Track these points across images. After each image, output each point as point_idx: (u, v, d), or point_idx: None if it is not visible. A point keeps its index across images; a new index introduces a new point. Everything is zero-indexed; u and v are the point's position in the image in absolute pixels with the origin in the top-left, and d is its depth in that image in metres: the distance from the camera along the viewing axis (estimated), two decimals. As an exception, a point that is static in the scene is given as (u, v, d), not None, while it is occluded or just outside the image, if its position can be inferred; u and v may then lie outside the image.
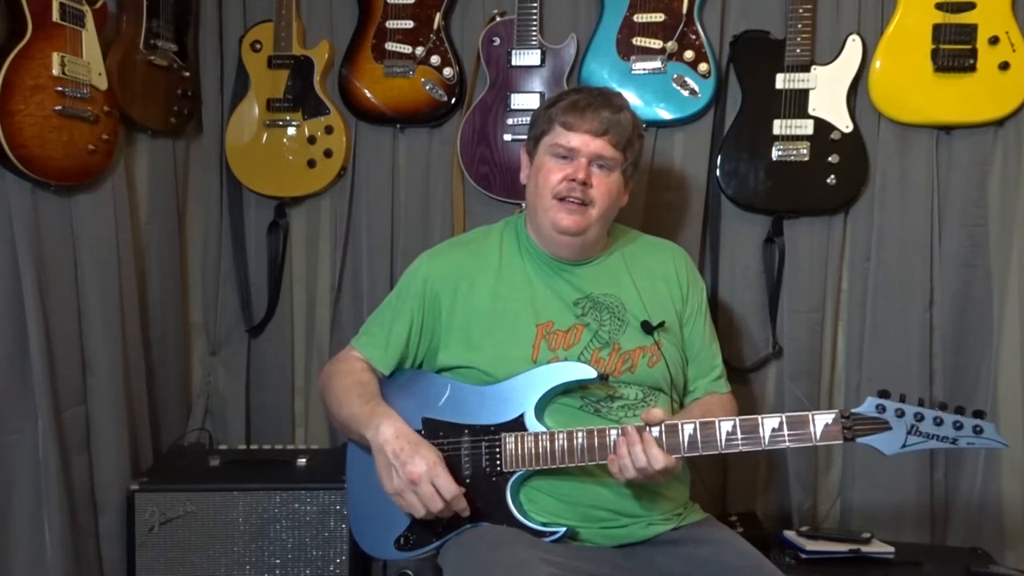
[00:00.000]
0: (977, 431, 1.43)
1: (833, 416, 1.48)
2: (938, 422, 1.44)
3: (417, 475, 1.49)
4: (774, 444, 1.50)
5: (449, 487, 1.50)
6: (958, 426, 1.43)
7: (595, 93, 1.73)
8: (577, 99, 1.69)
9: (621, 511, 1.62)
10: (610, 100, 1.71)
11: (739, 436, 1.50)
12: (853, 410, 1.48)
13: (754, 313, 2.31)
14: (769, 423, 1.50)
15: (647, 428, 1.51)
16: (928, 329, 2.23)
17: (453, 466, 1.59)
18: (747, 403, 2.29)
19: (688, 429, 1.51)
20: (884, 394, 1.48)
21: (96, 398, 2.13)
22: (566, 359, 1.66)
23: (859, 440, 1.47)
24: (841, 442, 1.48)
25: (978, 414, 1.44)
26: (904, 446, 1.46)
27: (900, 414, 1.45)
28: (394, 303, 1.79)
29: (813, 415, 1.49)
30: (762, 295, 2.30)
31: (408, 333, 1.74)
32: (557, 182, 1.67)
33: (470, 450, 1.60)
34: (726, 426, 1.51)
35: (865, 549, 1.95)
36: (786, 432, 1.49)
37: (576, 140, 1.67)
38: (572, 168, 1.66)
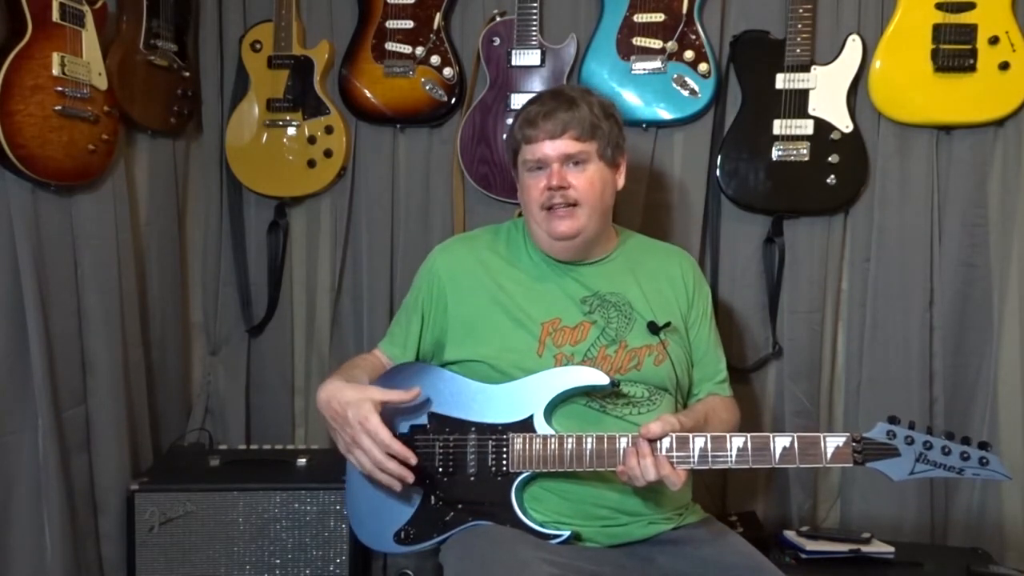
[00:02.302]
0: (983, 462, 1.46)
1: (844, 439, 1.49)
2: (946, 451, 1.47)
3: (353, 434, 1.55)
4: (784, 463, 1.50)
5: (381, 435, 1.52)
6: (965, 456, 1.46)
7: (545, 99, 1.72)
8: (529, 111, 1.71)
9: (622, 509, 1.62)
10: (562, 97, 1.70)
11: (750, 453, 1.51)
12: (864, 435, 1.49)
13: (754, 313, 2.31)
14: (780, 442, 1.50)
15: (657, 441, 1.52)
16: (928, 329, 2.23)
17: (458, 462, 1.60)
18: (747, 403, 2.29)
19: (699, 443, 1.52)
20: (894, 420, 1.49)
21: (96, 398, 2.13)
22: (572, 355, 1.66)
23: (868, 465, 1.49)
24: (851, 465, 1.49)
25: (983, 446, 1.47)
26: (912, 473, 1.48)
27: (910, 441, 1.48)
28: (409, 301, 1.84)
29: (825, 437, 1.50)
30: (762, 295, 2.30)
31: (420, 328, 1.79)
32: (539, 194, 1.69)
33: (476, 448, 1.61)
34: (737, 442, 1.51)
35: (865, 549, 1.95)
36: (797, 452, 1.50)
37: (539, 150, 1.68)
38: (547, 177, 1.68)
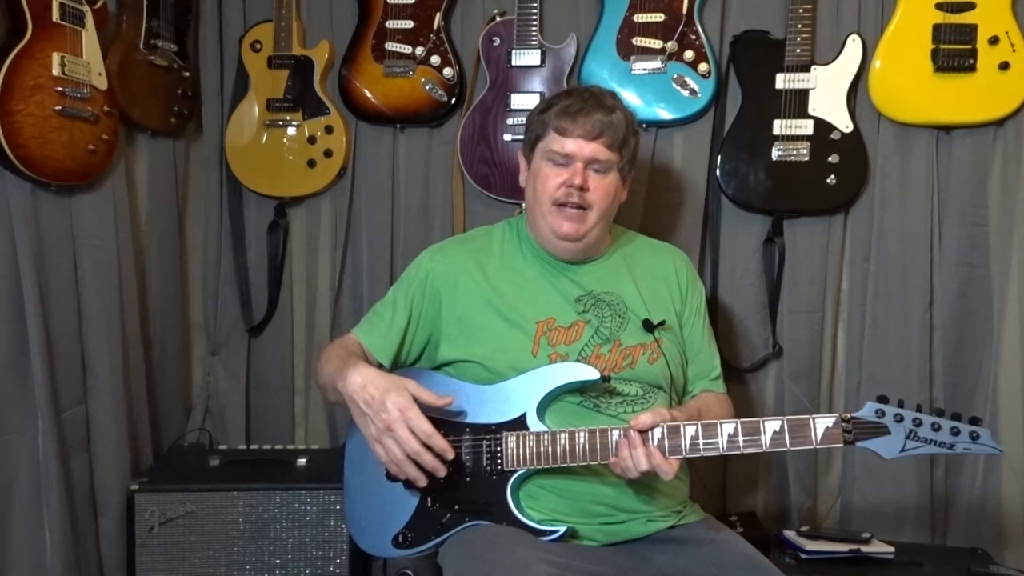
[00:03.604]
0: (973, 437, 1.46)
1: (833, 420, 1.50)
2: (936, 427, 1.47)
3: (390, 421, 1.50)
4: (775, 447, 1.51)
5: (423, 426, 1.50)
6: (955, 432, 1.47)
7: (587, 96, 1.73)
8: (569, 103, 1.70)
9: (620, 507, 1.62)
10: (602, 101, 1.71)
11: (740, 438, 1.51)
12: (853, 414, 1.49)
13: (754, 313, 2.31)
14: (770, 426, 1.51)
15: (649, 432, 1.52)
16: (928, 329, 2.23)
17: (454, 464, 1.60)
18: (747, 403, 2.29)
19: (690, 431, 1.52)
20: (883, 399, 1.50)
21: (96, 398, 2.13)
22: (567, 354, 1.66)
23: (859, 444, 1.49)
24: (841, 445, 1.50)
25: (974, 421, 1.47)
26: (903, 450, 1.48)
27: (899, 419, 1.48)
28: (395, 296, 1.82)
29: (814, 419, 1.50)
30: (762, 295, 2.30)
31: (406, 325, 1.77)
32: (555, 188, 1.69)
33: (471, 448, 1.61)
34: (728, 428, 1.51)
35: (865, 549, 1.96)
36: (787, 435, 1.50)
37: (571, 145, 1.68)
38: (569, 174, 1.68)
